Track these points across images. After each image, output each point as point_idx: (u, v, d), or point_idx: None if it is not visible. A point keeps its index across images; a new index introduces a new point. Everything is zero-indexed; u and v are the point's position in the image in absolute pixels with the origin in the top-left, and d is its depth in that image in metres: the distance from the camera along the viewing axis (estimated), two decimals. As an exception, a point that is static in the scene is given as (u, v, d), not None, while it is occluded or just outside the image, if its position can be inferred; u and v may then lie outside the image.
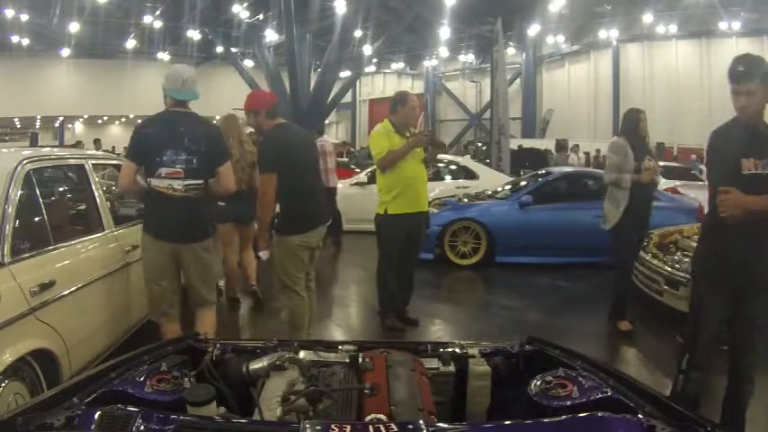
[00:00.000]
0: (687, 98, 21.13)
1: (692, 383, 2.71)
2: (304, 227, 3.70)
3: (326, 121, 30.04)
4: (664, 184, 9.40)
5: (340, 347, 1.74)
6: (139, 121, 3.81)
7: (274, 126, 3.76)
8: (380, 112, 35.16)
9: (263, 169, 3.70)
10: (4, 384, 2.37)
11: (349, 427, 1.19)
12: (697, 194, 8.25)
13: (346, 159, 16.68)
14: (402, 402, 1.40)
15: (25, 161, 2.92)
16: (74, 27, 21.29)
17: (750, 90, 2.50)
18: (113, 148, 18.33)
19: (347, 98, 29.81)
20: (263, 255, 3.81)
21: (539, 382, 1.57)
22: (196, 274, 3.41)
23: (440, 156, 7.37)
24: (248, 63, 26.40)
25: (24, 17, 20.28)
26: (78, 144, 16.65)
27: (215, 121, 5.12)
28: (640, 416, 1.30)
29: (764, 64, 2.52)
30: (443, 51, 28.73)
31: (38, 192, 3.00)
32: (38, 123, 32.24)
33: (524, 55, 27.64)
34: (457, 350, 1.80)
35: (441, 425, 1.30)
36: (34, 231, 3.01)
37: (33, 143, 24.15)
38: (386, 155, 4.53)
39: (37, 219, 3.03)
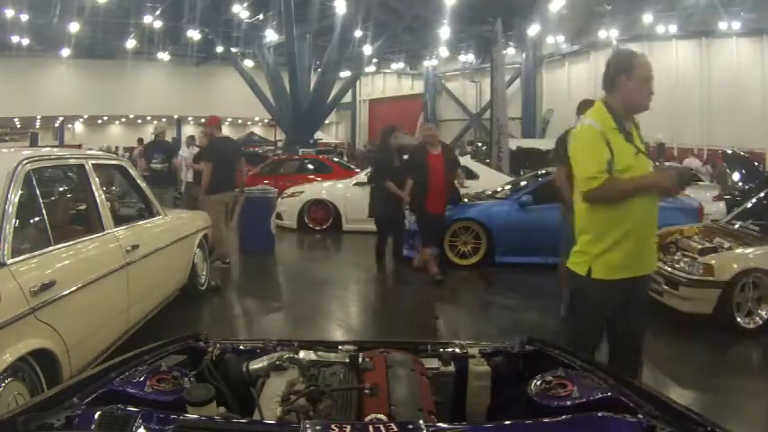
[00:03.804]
0: (687, 98, 21.08)
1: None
2: (216, 191, 6.76)
3: (326, 121, 30.07)
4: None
5: (340, 347, 1.74)
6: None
7: (217, 137, 7.10)
8: (380, 112, 35.26)
9: (204, 160, 7.08)
10: (4, 384, 2.37)
11: (349, 427, 1.19)
12: (697, 194, 8.29)
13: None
14: (402, 402, 1.40)
15: (25, 161, 2.93)
16: (74, 27, 21.28)
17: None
18: (116, 147, 18.16)
19: (347, 98, 29.79)
20: None
21: (539, 382, 1.58)
22: None
23: None
24: (248, 63, 26.40)
25: (24, 17, 20.27)
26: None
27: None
28: (640, 416, 1.30)
29: None
30: (443, 51, 28.71)
31: (38, 192, 3.00)
32: (38, 123, 32.20)
33: (524, 55, 27.58)
34: (457, 350, 1.80)
35: (441, 425, 1.30)
36: (34, 231, 3.02)
37: (33, 143, 24.08)
38: (604, 183, 2.46)
39: (37, 219, 3.03)
